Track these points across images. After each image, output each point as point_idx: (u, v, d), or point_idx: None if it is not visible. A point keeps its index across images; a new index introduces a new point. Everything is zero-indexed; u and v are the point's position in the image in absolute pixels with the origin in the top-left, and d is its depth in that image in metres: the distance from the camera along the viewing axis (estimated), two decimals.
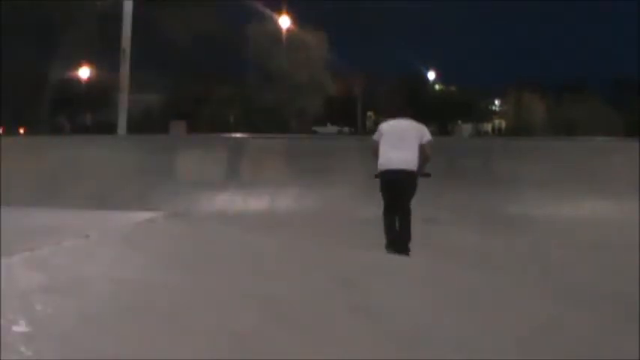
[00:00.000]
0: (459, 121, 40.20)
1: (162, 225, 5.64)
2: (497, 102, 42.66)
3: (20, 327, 2.40)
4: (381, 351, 2.29)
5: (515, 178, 6.33)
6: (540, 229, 5.24)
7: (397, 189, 5.25)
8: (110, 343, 2.33)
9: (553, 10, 37.25)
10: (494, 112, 43.01)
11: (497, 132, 40.77)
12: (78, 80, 31.64)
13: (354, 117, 36.45)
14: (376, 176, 5.34)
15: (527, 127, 35.21)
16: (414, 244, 4.71)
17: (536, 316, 2.72)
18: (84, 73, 31.73)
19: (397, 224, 5.15)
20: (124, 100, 15.20)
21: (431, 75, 40.12)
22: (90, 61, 30.48)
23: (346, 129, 37.51)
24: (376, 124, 42.70)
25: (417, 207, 6.04)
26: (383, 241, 4.97)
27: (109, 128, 18.73)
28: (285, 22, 33.20)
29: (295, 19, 33.23)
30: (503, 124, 41.39)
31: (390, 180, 5.27)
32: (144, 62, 22.70)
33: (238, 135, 9.95)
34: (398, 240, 5.05)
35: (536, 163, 6.49)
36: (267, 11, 32.14)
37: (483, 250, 4.40)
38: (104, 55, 24.46)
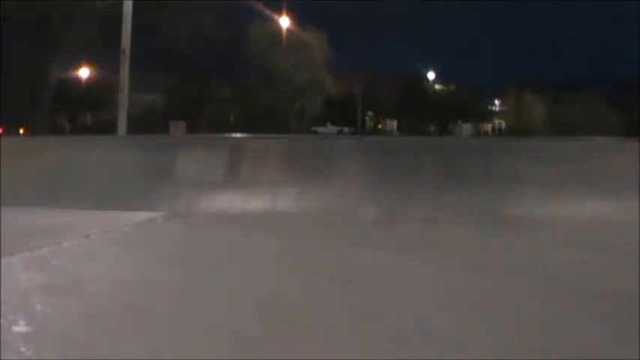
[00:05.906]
0: (459, 121, 40.17)
1: (162, 225, 5.64)
2: (497, 102, 42.64)
3: (20, 327, 2.41)
4: (380, 350, 2.30)
5: (515, 178, 6.32)
6: (540, 229, 5.23)
7: None
8: (110, 343, 2.33)
9: (553, 9, 37.23)
10: (494, 112, 43.00)
11: (498, 132, 40.76)
12: (78, 80, 31.60)
13: (354, 117, 36.40)
14: None
15: (527, 127, 35.18)
16: (413, 244, 4.71)
17: (535, 316, 2.73)
18: (84, 73, 31.70)
19: None
20: (124, 100, 15.18)
21: (431, 75, 40.12)
22: (90, 61, 30.44)
23: (346, 129, 37.51)
24: (376, 124, 42.68)
25: (416, 206, 6.03)
26: (383, 241, 4.96)
27: (109, 128, 18.69)
28: (285, 22, 33.15)
29: (295, 19, 33.21)
30: (504, 124, 41.37)
31: None
32: (144, 62, 22.70)
33: (238, 135, 9.93)
34: None
35: (536, 163, 6.48)
36: (267, 11, 32.12)
37: (483, 250, 4.40)
38: (104, 55, 24.44)
